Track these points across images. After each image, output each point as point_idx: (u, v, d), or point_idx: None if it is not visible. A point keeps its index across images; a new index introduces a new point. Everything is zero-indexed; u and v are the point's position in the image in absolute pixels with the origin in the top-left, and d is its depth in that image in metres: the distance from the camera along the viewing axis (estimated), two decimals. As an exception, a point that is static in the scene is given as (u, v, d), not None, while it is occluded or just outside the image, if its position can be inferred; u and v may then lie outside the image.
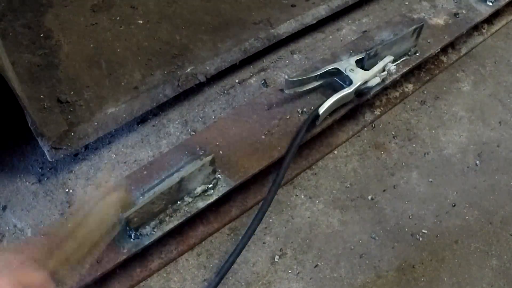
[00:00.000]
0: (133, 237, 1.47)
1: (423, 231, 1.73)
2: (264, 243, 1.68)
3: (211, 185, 1.57)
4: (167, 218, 1.52)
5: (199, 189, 1.55)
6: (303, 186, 1.81)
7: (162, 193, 1.45)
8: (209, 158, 1.52)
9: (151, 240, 1.48)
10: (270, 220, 1.72)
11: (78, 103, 1.90)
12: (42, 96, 1.90)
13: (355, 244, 1.69)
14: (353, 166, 1.87)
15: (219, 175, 1.59)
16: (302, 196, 1.78)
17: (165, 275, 1.60)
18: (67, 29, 2.15)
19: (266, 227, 1.71)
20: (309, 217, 1.74)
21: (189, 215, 1.53)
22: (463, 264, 1.67)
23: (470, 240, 1.73)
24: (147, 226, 1.49)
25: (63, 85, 1.95)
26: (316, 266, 1.64)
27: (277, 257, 1.65)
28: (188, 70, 2.01)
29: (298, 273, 1.63)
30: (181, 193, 1.53)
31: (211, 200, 1.56)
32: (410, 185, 1.84)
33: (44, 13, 2.20)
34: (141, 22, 2.21)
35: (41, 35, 2.11)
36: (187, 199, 1.55)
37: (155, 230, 1.49)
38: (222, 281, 1.56)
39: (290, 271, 1.63)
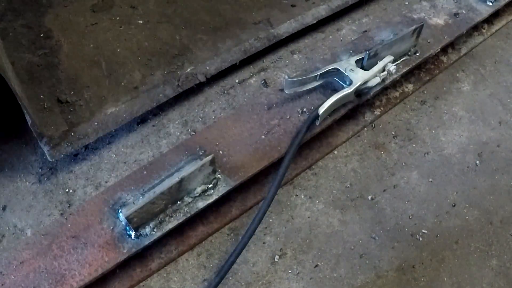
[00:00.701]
0: (133, 237, 1.47)
1: (423, 231, 1.73)
2: (264, 243, 1.68)
3: (211, 185, 1.57)
4: (167, 218, 1.52)
5: (199, 189, 1.55)
6: (303, 186, 1.81)
7: (162, 193, 1.45)
8: (209, 158, 1.52)
9: (151, 240, 1.48)
10: (270, 220, 1.72)
11: (78, 103, 1.90)
12: (42, 96, 1.90)
13: (355, 244, 1.69)
14: (353, 166, 1.87)
15: (219, 175, 1.59)
16: (302, 196, 1.78)
17: (165, 275, 1.60)
18: (67, 29, 2.15)
19: (266, 227, 1.71)
20: (309, 217, 1.74)
21: (189, 215, 1.53)
22: (463, 264, 1.67)
23: (470, 240, 1.73)
24: (147, 226, 1.49)
25: (63, 85, 1.95)
26: (316, 266, 1.64)
27: (277, 257, 1.65)
28: (188, 70, 2.01)
29: (298, 273, 1.63)
30: (181, 193, 1.53)
31: (211, 200, 1.56)
32: (410, 185, 1.84)
33: (44, 13, 2.20)
34: (141, 22, 2.21)
35: (41, 35, 2.11)
36: (187, 199, 1.55)
37: (155, 230, 1.50)
38: (222, 281, 1.56)
39: (290, 271, 1.63)
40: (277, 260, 1.65)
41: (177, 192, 1.51)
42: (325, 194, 1.79)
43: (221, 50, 2.12)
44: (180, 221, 1.52)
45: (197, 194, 1.55)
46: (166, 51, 2.11)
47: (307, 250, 1.67)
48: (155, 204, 1.47)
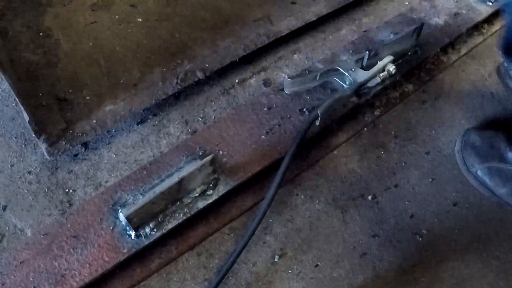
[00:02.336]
0: (133, 237, 1.47)
1: (423, 231, 1.73)
2: (264, 243, 1.68)
3: (211, 185, 1.57)
4: (167, 218, 1.52)
5: (198, 190, 1.55)
6: (304, 186, 1.80)
7: (162, 193, 1.45)
8: (209, 158, 1.51)
9: (151, 240, 1.48)
10: (270, 220, 1.72)
11: (76, 101, 1.89)
12: (40, 94, 1.90)
13: (355, 244, 1.69)
14: (354, 166, 1.87)
15: (219, 175, 1.59)
16: (303, 196, 1.78)
17: (165, 275, 1.60)
18: (67, 28, 2.14)
19: (266, 227, 1.70)
20: (309, 217, 1.74)
21: (189, 215, 1.53)
22: (463, 264, 1.67)
23: (470, 240, 1.73)
24: (147, 226, 1.49)
25: (62, 83, 1.95)
26: (316, 266, 1.64)
27: (277, 257, 1.65)
28: (187, 67, 2.01)
29: (299, 273, 1.63)
30: (181, 193, 1.53)
31: (210, 200, 1.56)
32: (410, 185, 1.84)
33: (43, 12, 2.19)
34: (140, 20, 2.21)
35: (41, 34, 2.10)
36: (187, 199, 1.55)
37: (155, 230, 1.49)
38: (222, 281, 1.56)
39: (290, 271, 1.63)
40: (277, 260, 1.65)
41: (177, 192, 1.51)
42: (325, 194, 1.79)
43: (220, 47, 2.11)
44: (180, 221, 1.52)
45: (197, 194, 1.55)
46: (165, 49, 2.11)
47: (307, 250, 1.67)
48: (155, 204, 1.46)
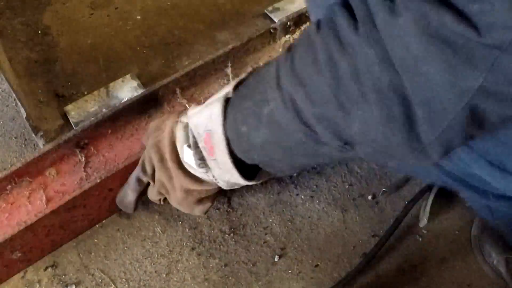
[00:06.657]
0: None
1: (423, 231, 1.73)
2: (264, 242, 1.68)
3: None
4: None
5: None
6: (304, 185, 1.80)
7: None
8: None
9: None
10: (270, 220, 1.72)
11: (75, 97, 1.90)
12: (39, 91, 1.90)
13: (355, 243, 1.69)
14: (354, 166, 1.87)
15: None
16: (302, 196, 1.77)
17: (164, 275, 1.60)
18: (65, 26, 2.15)
19: (266, 227, 1.70)
20: (309, 217, 1.73)
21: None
22: (464, 264, 1.67)
23: (470, 240, 1.73)
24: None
25: (60, 80, 1.95)
26: (316, 265, 1.64)
27: (277, 257, 1.65)
28: (186, 63, 2.00)
29: (299, 273, 1.63)
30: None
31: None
32: (410, 184, 1.84)
33: (42, 11, 2.19)
34: (139, 17, 2.20)
35: (39, 31, 2.11)
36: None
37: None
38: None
39: (290, 271, 1.63)
40: (277, 260, 1.64)
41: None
42: (325, 194, 1.79)
43: (219, 43, 2.11)
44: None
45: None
46: (164, 45, 2.11)
47: (307, 250, 1.67)
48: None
